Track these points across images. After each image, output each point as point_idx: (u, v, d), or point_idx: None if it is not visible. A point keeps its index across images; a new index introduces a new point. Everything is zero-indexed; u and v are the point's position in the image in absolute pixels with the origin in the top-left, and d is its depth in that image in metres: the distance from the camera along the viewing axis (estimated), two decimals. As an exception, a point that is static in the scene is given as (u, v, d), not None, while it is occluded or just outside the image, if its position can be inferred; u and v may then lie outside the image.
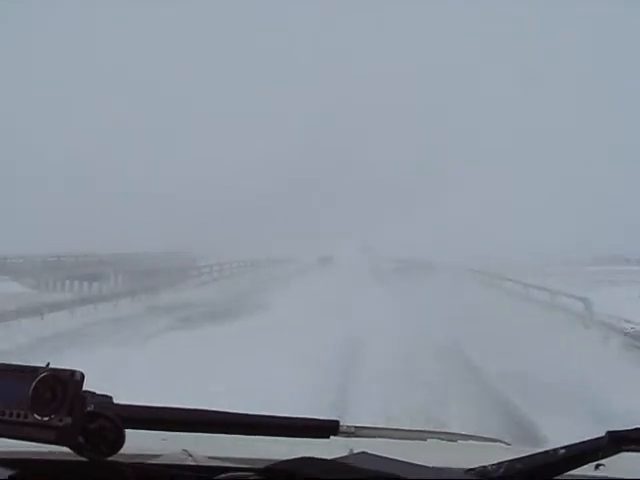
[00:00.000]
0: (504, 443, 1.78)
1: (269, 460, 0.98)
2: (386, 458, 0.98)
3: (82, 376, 0.91)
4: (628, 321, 11.25)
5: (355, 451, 1.08)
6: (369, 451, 1.03)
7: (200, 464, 1.08)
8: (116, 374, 6.70)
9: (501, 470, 0.92)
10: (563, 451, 0.94)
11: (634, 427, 0.99)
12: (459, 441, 1.68)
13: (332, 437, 1.08)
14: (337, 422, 1.07)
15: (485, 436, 1.87)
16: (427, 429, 1.80)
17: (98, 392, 0.97)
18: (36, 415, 0.88)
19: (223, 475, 1.00)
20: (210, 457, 1.11)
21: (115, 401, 1.00)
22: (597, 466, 1.05)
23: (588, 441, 0.97)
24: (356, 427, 1.45)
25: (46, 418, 0.88)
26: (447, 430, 1.77)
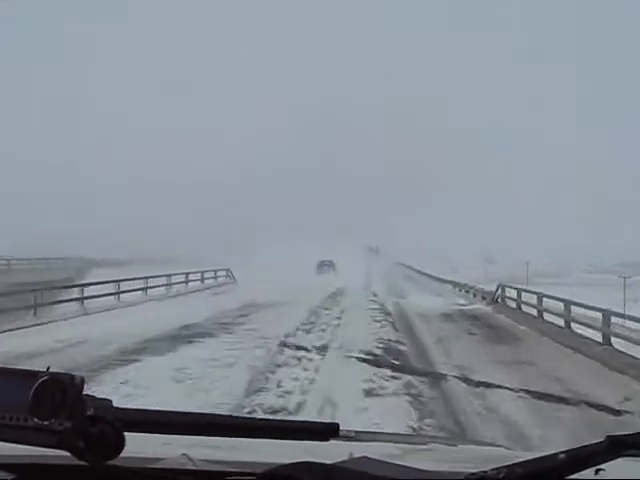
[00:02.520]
0: (504, 448, 1.78)
1: (269, 464, 0.98)
2: (386, 462, 0.98)
3: (82, 380, 0.91)
4: None
5: (355, 455, 1.08)
6: (369, 455, 1.03)
7: (200, 468, 1.08)
8: None
9: (501, 475, 0.92)
10: (563, 455, 0.94)
11: (634, 432, 0.99)
12: (459, 446, 1.68)
13: (332, 441, 1.08)
14: (337, 425, 1.07)
15: (485, 441, 1.87)
16: (427, 434, 1.79)
17: (98, 396, 0.97)
18: (36, 419, 0.88)
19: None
20: (210, 461, 1.11)
21: (115, 405, 1.00)
22: (597, 471, 1.05)
23: (588, 445, 0.97)
24: (356, 431, 1.46)
25: (46, 422, 0.88)
26: (448, 435, 1.76)
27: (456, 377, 9.44)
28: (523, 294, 18.93)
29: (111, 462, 0.91)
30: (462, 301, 24.59)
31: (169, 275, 26.29)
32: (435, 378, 9.47)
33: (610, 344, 11.94)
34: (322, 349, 11.92)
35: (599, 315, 12.52)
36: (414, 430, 6.54)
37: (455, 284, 30.58)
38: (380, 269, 47.71)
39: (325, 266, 46.05)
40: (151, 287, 23.77)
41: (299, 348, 11.79)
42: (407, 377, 9.39)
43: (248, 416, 1.28)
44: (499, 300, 21.36)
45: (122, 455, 0.91)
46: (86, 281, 23.17)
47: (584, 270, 45.67)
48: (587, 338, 12.81)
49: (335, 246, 51.17)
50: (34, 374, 0.91)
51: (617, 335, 12.00)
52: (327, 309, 19.67)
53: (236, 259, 39.06)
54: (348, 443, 1.35)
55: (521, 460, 0.96)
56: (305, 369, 9.95)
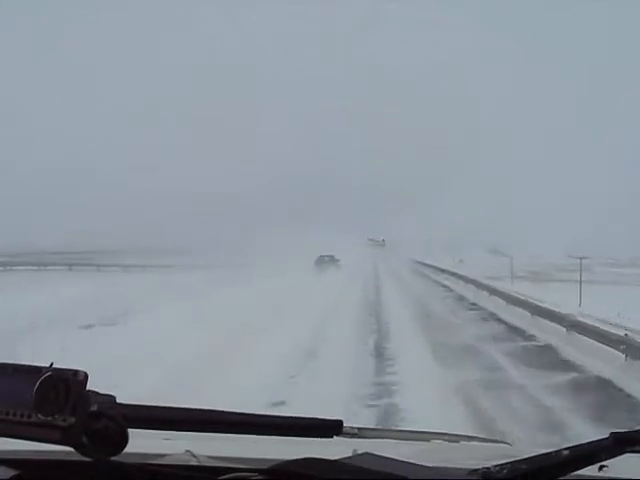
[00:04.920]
0: (507, 444, 1.78)
1: (273, 460, 0.98)
2: (389, 459, 0.98)
3: (86, 376, 0.91)
4: None
5: (359, 452, 1.09)
6: (372, 452, 1.03)
7: (203, 464, 1.08)
8: None
9: (504, 471, 0.92)
10: (567, 452, 0.94)
11: (638, 428, 0.99)
12: (462, 442, 1.68)
13: (336, 438, 1.08)
14: (341, 422, 1.07)
15: (488, 437, 1.87)
16: (430, 430, 1.80)
17: (101, 392, 0.97)
18: (40, 415, 0.88)
19: (226, 476, 1.00)
20: (213, 457, 1.11)
21: (118, 401, 1.00)
22: (601, 467, 1.04)
23: (592, 442, 0.97)
24: (359, 428, 1.46)
25: (50, 418, 0.88)
26: (450, 431, 1.76)
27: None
28: None
29: (114, 458, 0.92)
30: None
31: None
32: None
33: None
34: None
35: None
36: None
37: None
38: (398, 272, 36.72)
39: (325, 262, 38.56)
40: None
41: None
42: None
43: (252, 412, 1.28)
44: None
45: (125, 451, 0.91)
46: None
47: (604, 264, 42.59)
48: None
49: (338, 240, 45.97)
50: (38, 370, 0.91)
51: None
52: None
53: (231, 257, 36.61)
54: (351, 440, 1.35)
55: (524, 457, 0.96)
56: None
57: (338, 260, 40.25)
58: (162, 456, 1.11)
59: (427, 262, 43.87)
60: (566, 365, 10.99)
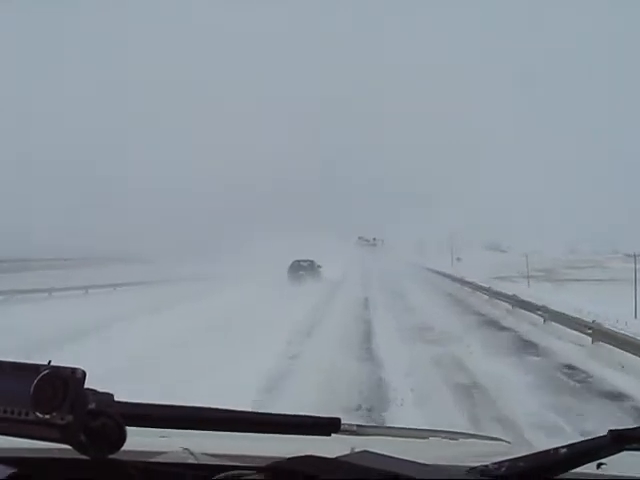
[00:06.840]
0: (505, 442, 1.78)
1: (270, 458, 0.98)
2: (388, 456, 0.98)
3: (84, 374, 0.91)
4: None
5: (357, 449, 1.09)
6: (371, 449, 1.03)
7: (201, 462, 1.08)
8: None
9: (503, 469, 0.92)
10: (565, 450, 0.94)
11: (636, 426, 0.99)
12: (460, 440, 1.68)
13: (334, 435, 1.08)
14: (339, 420, 1.07)
15: (487, 435, 1.87)
16: (428, 428, 1.80)
17: (99, 390, 0.97)
18: (38, 413, 0.88)
19: (224, 473, 1.00)
20: (211, 455, 1.11)
21: (116, 399, 1.00)
22: (599, 465, 1.04)
23: (590, 440, 0.97)
24: (358, 425, 1.46)
25: (48, 416, 0.88)
26: (448, 429, 1.77)
27: None
28: None
29: (112, 456, 0.91)
30: None
31: None
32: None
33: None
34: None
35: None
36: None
37: None
38: (397, 287, 25.11)
39: (302, 270, 29.49)
40: None
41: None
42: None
43: (250, 410, 1.27)
44: None
45: (123, 449, 0.91)
46: None
47: (614, 258, 39.30)
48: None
49: (321, 241, 39.75)
50: (36, 367, 0.91)
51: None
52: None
53: (187, 265, 33.46)
54: (349, 437, 1.35)
55: (523, 454, 0.96)
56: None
57: (319, 267, 30.70)
58: (160, 454, 1.11)
59: (428, 266, 37.29)
60: None
